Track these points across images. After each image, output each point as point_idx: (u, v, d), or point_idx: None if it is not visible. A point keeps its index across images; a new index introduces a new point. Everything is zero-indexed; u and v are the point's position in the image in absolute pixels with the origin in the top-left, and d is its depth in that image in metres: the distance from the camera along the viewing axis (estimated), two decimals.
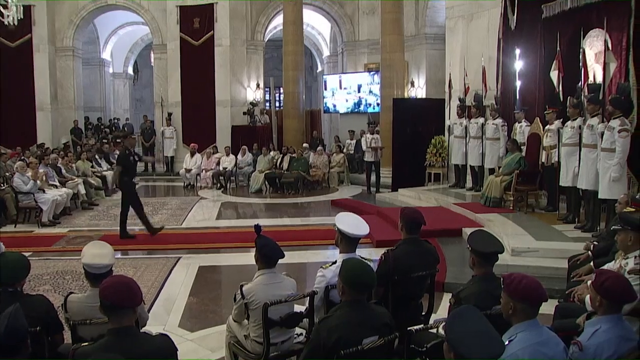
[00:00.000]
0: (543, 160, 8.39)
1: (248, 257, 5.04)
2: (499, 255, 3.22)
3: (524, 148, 9.54)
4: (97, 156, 13.89)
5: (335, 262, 3.59)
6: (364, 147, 12.95)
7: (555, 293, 4.86)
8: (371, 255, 3.73)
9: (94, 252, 3.30)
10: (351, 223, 3.56)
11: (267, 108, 19.26)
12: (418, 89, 17.98)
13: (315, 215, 11.00)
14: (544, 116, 8.46)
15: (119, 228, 8.51)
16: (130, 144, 8.39)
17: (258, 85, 17.74)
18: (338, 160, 14.80)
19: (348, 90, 18.45)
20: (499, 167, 9.33)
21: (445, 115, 12.33)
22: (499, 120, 10.25)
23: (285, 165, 13.94)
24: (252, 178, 14.06)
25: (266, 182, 13.82)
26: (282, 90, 18.36)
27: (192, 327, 5.23)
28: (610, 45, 7.21)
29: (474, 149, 10.92)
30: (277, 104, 22.48)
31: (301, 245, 8.04)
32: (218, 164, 14.61)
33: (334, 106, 18.92)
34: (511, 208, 8.92)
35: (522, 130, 9.67)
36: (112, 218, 10.40)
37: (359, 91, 18.16)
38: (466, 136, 11.11)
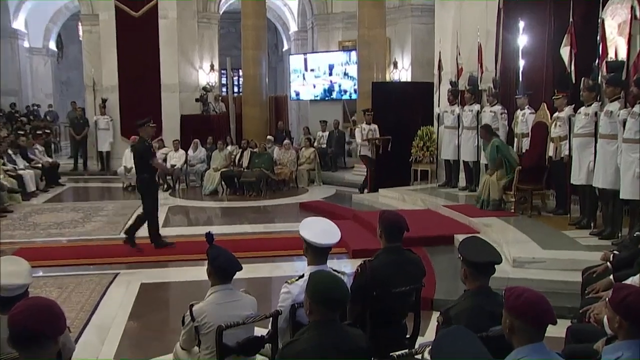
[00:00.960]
0: (551, 154, 8.42)
1: (200, 272, 5.01)
2: (498, 266, 3.22)
3: (526, 140, 9.61)
4: (10, 151, 13.64)
5: (302, 276, 3.60)
6: (358, 140, 12.73)
7: (567, 312, 4.87)
8: (345, 267, 3.71)
9: (6, 269, 3.19)
10: (319, 230, 3.57)
11: (224, 94, 19.26)
12: (402, 71, 18.10)
13: (281, 221, 11.02)
14: (552, 102, 8.46)
15: (149, 237, 8.57)
16: (148, 133, 8.48)
17: (212, 67, 17.76)
18: (308, 155, 14.87)
19: (316, 73, 18.49)
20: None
21: (433, 101, 12.33)
22: (497, 107, 10.23)
23: (245, 162, 13.98)
24: (206, 177, 14.09)
25: (222, 182, 13.84)
26: (241, 73, 18.34)
27: (131, 358, 5.15)
28: (638, 13, 7.26)
29: (467, 142, 10.89)
30: (236, 89, 22.51)
31: (264, 257, 8.05)
32: (165, 160, 14.59)
33: (297, 94, 18.96)
34: (512, 211, 8.99)
35: (524, 118, 9.65)
36: (31, 227, 10.24)
37: (330, 74, 18.19)
38: (459, 126, 11.13)
